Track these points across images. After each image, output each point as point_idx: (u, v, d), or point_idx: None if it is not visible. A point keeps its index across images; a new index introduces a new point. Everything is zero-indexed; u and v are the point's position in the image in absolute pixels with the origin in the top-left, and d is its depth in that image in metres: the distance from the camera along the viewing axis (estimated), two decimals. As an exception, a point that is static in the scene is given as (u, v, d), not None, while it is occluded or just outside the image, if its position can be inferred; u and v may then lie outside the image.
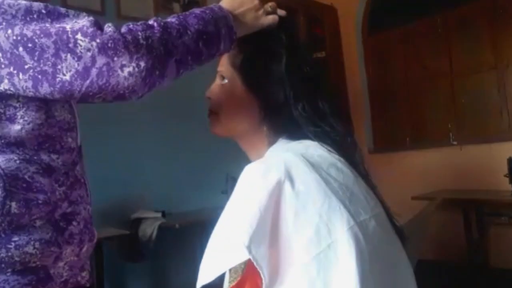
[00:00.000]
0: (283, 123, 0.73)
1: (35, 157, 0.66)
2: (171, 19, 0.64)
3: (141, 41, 0.57)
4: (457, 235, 3.42)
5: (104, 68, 0.55)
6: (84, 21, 0.57)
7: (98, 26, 0.57)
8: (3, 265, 0.61)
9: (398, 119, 4.12)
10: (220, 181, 2.78)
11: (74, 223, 0.71)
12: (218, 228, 0.59)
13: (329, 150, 0.67)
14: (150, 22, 0.61)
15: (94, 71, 0.55)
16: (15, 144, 0.64)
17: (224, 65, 0.77)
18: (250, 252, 0.52)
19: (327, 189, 0.58)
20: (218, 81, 0.78)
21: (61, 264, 0.69)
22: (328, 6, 4.32)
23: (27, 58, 0.55)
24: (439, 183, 3.59)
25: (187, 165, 3.00)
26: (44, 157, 0.67)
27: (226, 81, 0.76)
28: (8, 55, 0.55)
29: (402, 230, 0.71)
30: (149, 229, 2.53)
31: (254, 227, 0.53)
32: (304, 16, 4.12)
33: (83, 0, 2.61)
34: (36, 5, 0.57)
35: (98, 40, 0.55)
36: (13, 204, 0.62)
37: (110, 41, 0.55)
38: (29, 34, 0.55)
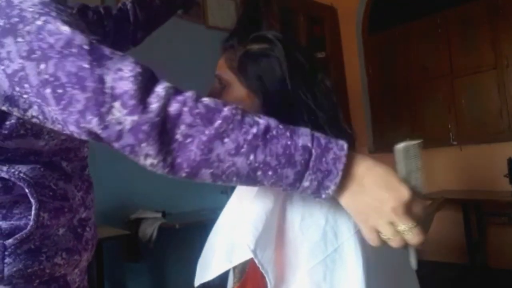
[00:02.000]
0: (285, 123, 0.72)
1: (50, 164, 0.65)
2: (242, 134, 0.48)
3: (178, 136, 0.47)
4: (457, 235, 3.42)
5: (127, 149, 0.48)
6: (127, 81, 0.47)
7: (145, 89, 0.47)
8: (33, 277, 0.61)
9: (398, 119, 4.12)
10: (220, 181, 2.78)
11: (87, 228, 0.71)
12: (219, 229, 0.58)
13: None
14: (217, 111, 0.48)
15: (115, 145, 0.48)
16: (33, 153, 0.62)
17: (222, 68, 0.76)
18: (256, 256, 0.52)
19: None
20: (216, 84, 0.77)
21: (76, 270, 0.69)
22: (328, 6, 4.32)
23: (51, 101, 0.49)
24: (439, 183, 3.60)
25: (187, 165, 3.00)
26: (57, 163, 0.66)
27: (224, 84, 0.75)
28: (35, 90, 0.50)
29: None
30: (149, 229, 2.53)
31: (260, 230, 0.53)
32: (304, 16, 4.11)
33: (83, 0, 2.60)
34: (80, 38, 0.49)
35: (135, 118, 0.46)
36: (46, 215, 0.61)
37: (147, 125, 0.46)
38: (64, 79, 0.48)
